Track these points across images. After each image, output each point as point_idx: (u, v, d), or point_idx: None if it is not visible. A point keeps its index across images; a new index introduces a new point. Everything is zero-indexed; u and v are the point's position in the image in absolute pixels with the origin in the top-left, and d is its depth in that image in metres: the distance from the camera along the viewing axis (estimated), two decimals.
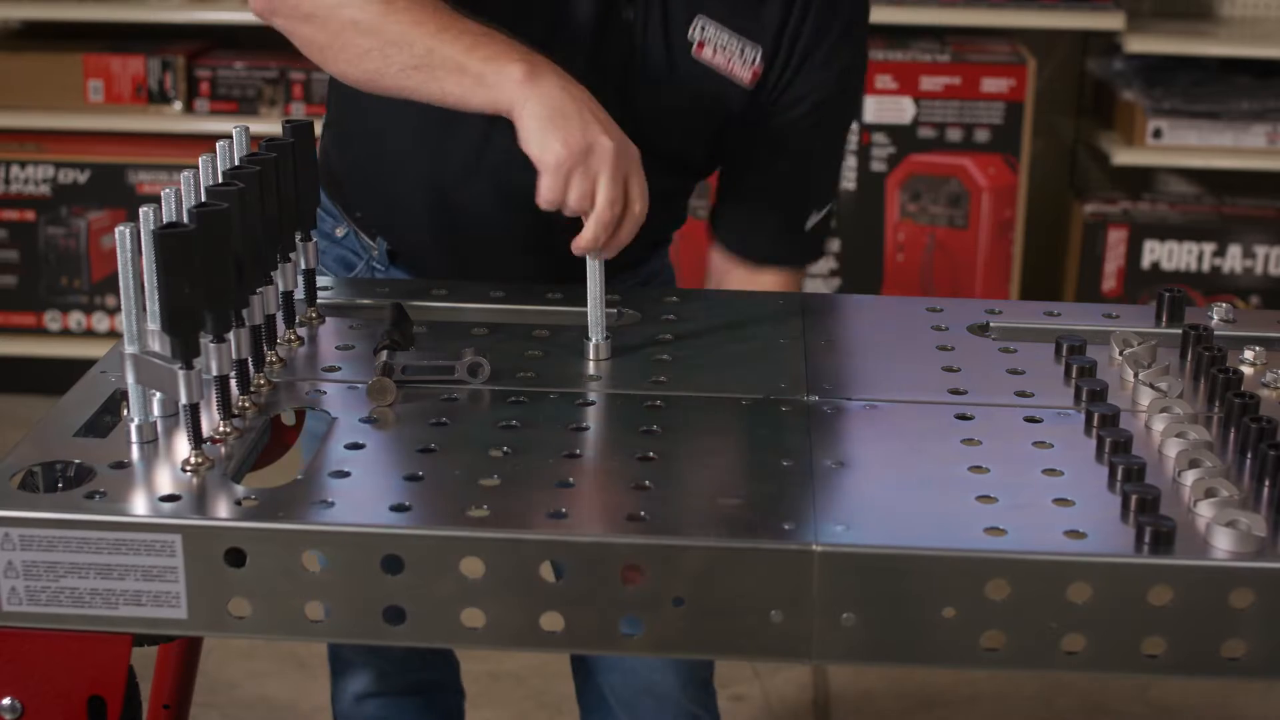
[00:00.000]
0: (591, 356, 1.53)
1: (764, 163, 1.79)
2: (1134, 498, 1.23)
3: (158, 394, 1.35)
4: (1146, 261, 3.70)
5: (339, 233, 1.84)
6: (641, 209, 1.49)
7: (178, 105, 3.74)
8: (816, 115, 1.75)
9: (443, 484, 1.28)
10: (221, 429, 1.33)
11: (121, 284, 1.29)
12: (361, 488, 1.27)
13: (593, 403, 1.44)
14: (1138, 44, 3.56)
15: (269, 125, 3.58)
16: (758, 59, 1.69)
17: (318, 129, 1.59)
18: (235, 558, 1.20)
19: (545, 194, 1.46)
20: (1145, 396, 1.44)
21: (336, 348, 1.55)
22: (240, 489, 1.25)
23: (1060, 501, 1.26)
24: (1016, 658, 1.19)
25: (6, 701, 1.24)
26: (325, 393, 1.44)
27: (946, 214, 3.67)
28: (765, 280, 1.85)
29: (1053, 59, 3.93)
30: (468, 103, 1.50)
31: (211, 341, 1.30)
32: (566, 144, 1.44)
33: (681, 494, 1.27)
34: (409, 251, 1.82)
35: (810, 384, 1.48)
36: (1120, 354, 1.53)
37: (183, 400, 1.27)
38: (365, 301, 1.67)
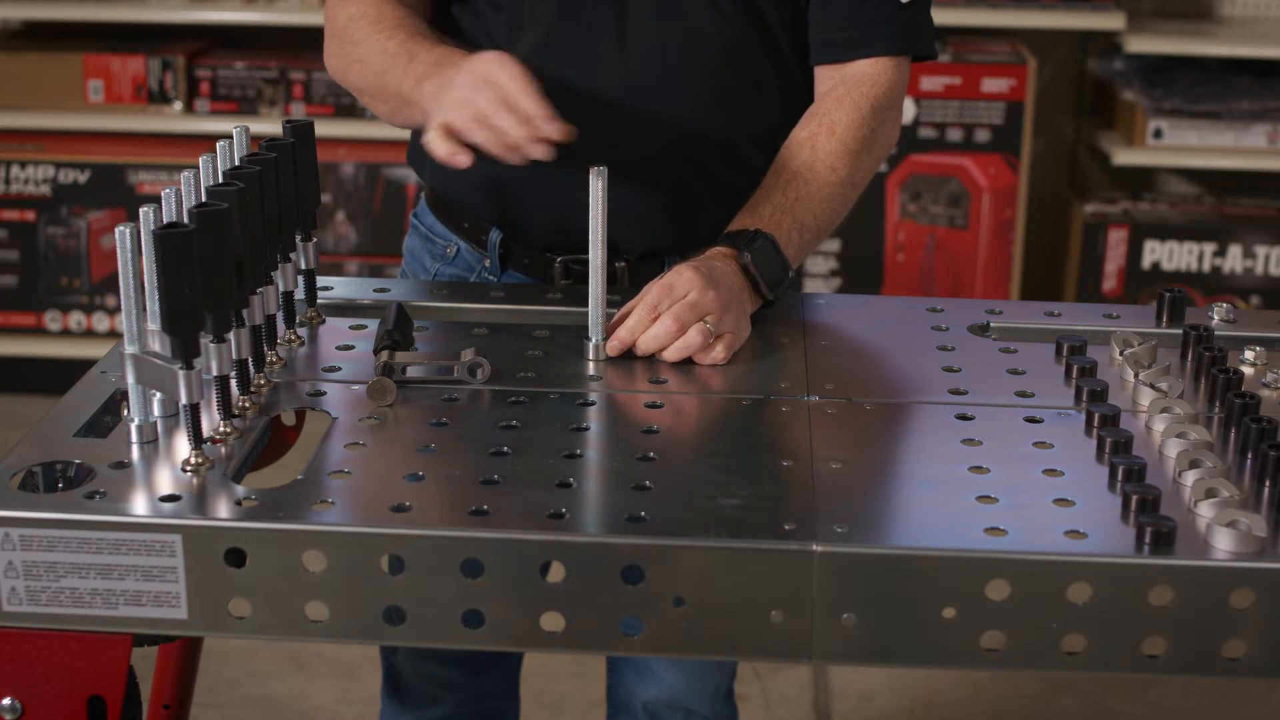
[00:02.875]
0: (591, 356, 1.53)
1: None
2: (1134, 498, 1.23)
3: (158, 394, 1.35)
4: (1147, 261, 3.70)
5: (450, 252, 1.83)
6: (519, 98, 1.49)
7: (178, 105, 3.74)
8: None
9: (443, 484, 1.28)
10: (221, 429, 1.33)
11: (121, 284, 1.29)
12: (361, 488, 1.27)
13: (593, 403, 1.44)
14: (1138, 44, 3.56)
15: (269, 125, 3.58)
16: None
17: (318, 130, 1.59)
18: (235, 558, 1.20)
19: (496, 151, 1.52)
20: (1146, 397, 1.44)
21: (336, 348, 1.55)
22: (240, 489, 1.25)
23: (1060, 502, 1.26)
24: (1016, 658, 1.19)
25: (6, 701, 1.24)
26: (325, 393, 1.44)
27: (947, 214, 3.67)
28: (857, 75, 1.71)
29: (1053, 59, 3.93)
30: (426, 123, 1.59)
31: (211, 341, 1.30)
32: (457, 110, 1.51)
33: (681, 494, 1.27)
34: (521, 225, 1.79)
35: (810, 384, 1.48)
36: (1121, 354, 1.53)
37: (183, 400, 1.27)
38: (365, 301, 1.67)
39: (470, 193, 1.79)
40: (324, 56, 1.76)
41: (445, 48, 1.62)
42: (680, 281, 1.52)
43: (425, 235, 1.87)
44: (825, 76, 1.74)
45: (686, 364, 1.52)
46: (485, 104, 1.50)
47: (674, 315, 1.50)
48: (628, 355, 1.53)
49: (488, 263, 1.80)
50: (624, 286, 1.72)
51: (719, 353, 1.51)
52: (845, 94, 1.70)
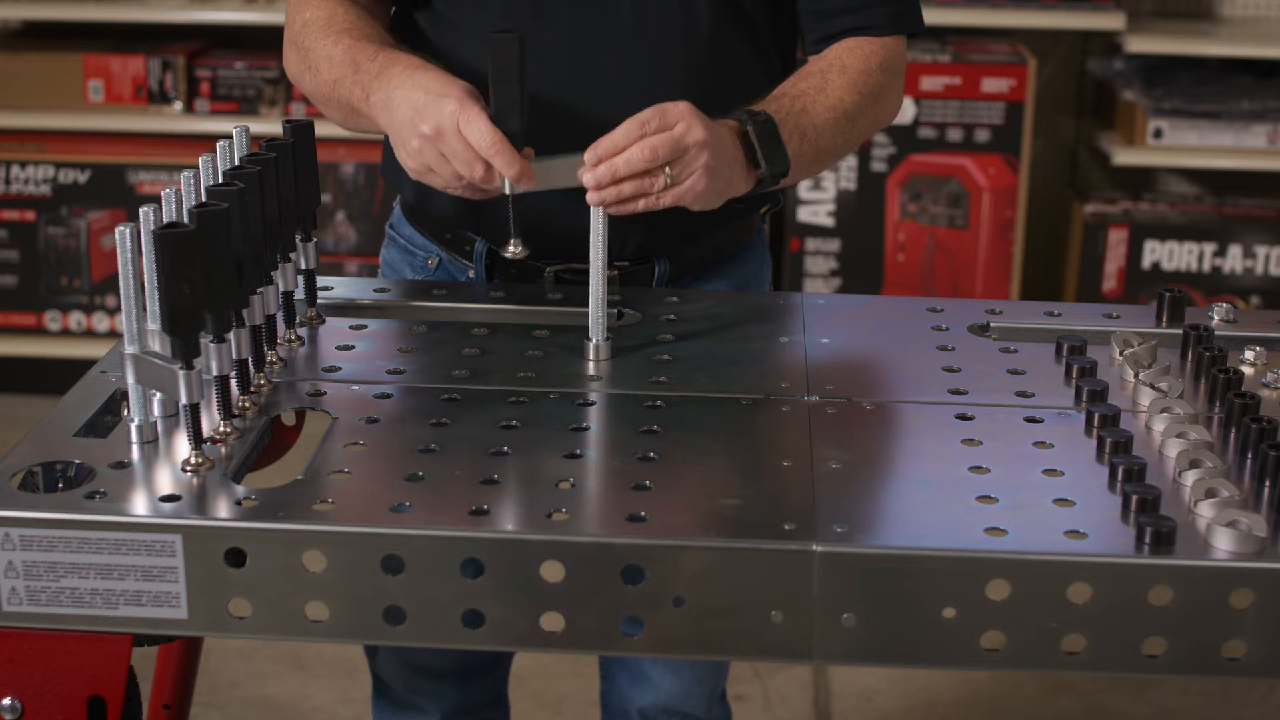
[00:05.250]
0: (591, 356, 1.53)
1: None
2: (1134, 498, 1.23)
3: (158, 394, 1.35)
4: (1147, 261, 3.70)
5: (431, 264, 1.81)
6: (493, 139, 1.48)
7: (178, 105, 3.74)
8: None
9: (443, 484, 1.28)
10: (221, 429, 1.33)
11: (121, 284, 1.29)
12: (361, 488, 1.27)
13: (593, 403, 1.44)
14: (1138, 44, 3.56)
15: (269, 125, 3.58)
16: None
17: (318, 130, 1.59)
18: (235, 558, 1.20)
19: (444, 189, 1.54)
20: (1146, 397, 1.44)
21: (336, 348, 1.55)
22: (240, 489, 1.25)
23: (1060, 502, 1.26)
24: (1016, 658, 1.19)
25: (6, 701, 1.24)
26: (325, 393, 1.44)
27: (947, 214, 3.67)
28: (857, 41, 1.72)
29: (1053, 59, 3.93)
30: (375, 130, 1.63)
31: (211, 341, 1.30)
32: (412, 154, 1.52)
33: (681, 494, 1.27)
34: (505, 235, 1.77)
35: (810, 384, 1.48)
36: (1121, 354, 1.53)
37: (183, 400, 1.27)
38: (365, 301, 1.67)
39: (453, 202, 1.74)
40: (283, 62, 1.76)
41: (388, 54, 1.60)
42: (674, 110, 1.51)
43: (404, 247, 1.84)
44: (814, 54, 1.75)
45: (687, 364, 1.52)
46: (429, 151, 1.50)
47: (651, 145, 1.49)
48: (627, 355, 1.53)
49: (471, 273, 1.78)
50: (616, 286, 1.72)
51: (666, 199, 1.52)
52: (856, 46, 1.71)
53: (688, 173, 1.50)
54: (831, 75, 1.68)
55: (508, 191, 1.50)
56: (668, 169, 1.49)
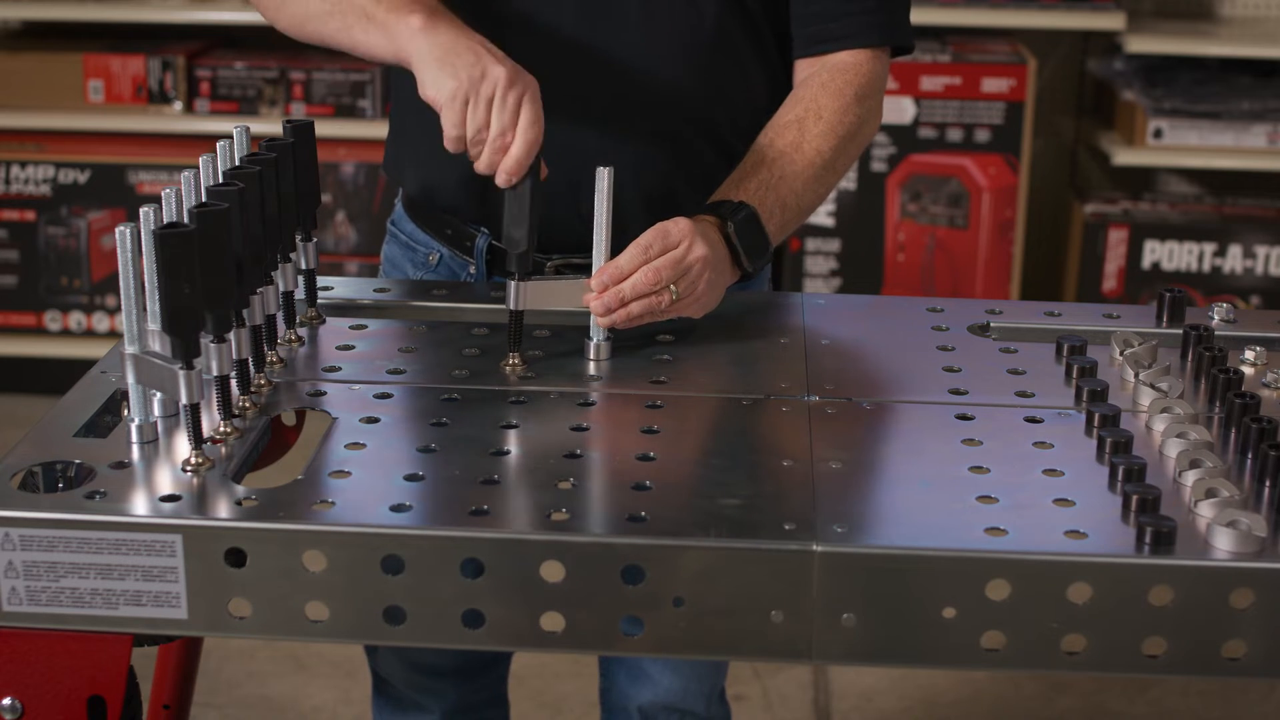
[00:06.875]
0: (591, 356, 1.53)
1: None
2: (1134, 498, 1.23)
3: (158, 394, 1.35)
4: (1147, 261, 3.70)
5: (432, 260, 1.81)
6: (535, 133, 1.49)
7: (178, 105, 3.74)
8: None
9: (443, 484, 1.28)
10: (222, 429, 1.33)
11: (121, 284, 1.29)
12: (361, 488, 1.27)
13: (593, 403, 1.44)
14: (1138, 44, 3.57)
15: (269, 125, 3.58)
16: None
17: (318, 129, 1.59)
18: (235, 558, 1.20)
19: (446, 130, 1.50)
20: (1146, 397, 1.44)
21: (336, 348, 1.55)
22: (240, 489, 1.25)
23: (1061, 502, 1.26)
24: (1016, 658, 1.19)
25: (6, 701, 1.24)
26: (325, 393, 1.44)
27: (947, 214, 3.67)
28: (839, 64, 1.73)
29: (1053, 59, 3.93)
30: (374, 51, 1.57)
31: (212, 341, 1.30)
32: (457, 75, 1.48)
33: (681, 494, 1.27)
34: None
35: (810, 384, 1.48)
36: (1121, 354, 1.53)
37: (183, 400, 1.27)
38: (365, 301, 1.67)
39: (454, 197, 1.76)
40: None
41: None
42: (675, 230, 1.53)
43: (405, 243, 1.84)
44: (805, 66, 1.75)
45: (687, 364, 1.52)
46: (499, 128, 1.48)
47: (656, 269, 1.51)
48: (627, 355, 1.53)
49: (473, 269, 1.77)
50: None
51: (671, 314, 1.54)
52: (830, 80, 1.71)
53: (692, 289, 1.54)
54: (808, 123, 1.69)
55: (512, 307, 1.51)
56: (673, 286, 1.52)
